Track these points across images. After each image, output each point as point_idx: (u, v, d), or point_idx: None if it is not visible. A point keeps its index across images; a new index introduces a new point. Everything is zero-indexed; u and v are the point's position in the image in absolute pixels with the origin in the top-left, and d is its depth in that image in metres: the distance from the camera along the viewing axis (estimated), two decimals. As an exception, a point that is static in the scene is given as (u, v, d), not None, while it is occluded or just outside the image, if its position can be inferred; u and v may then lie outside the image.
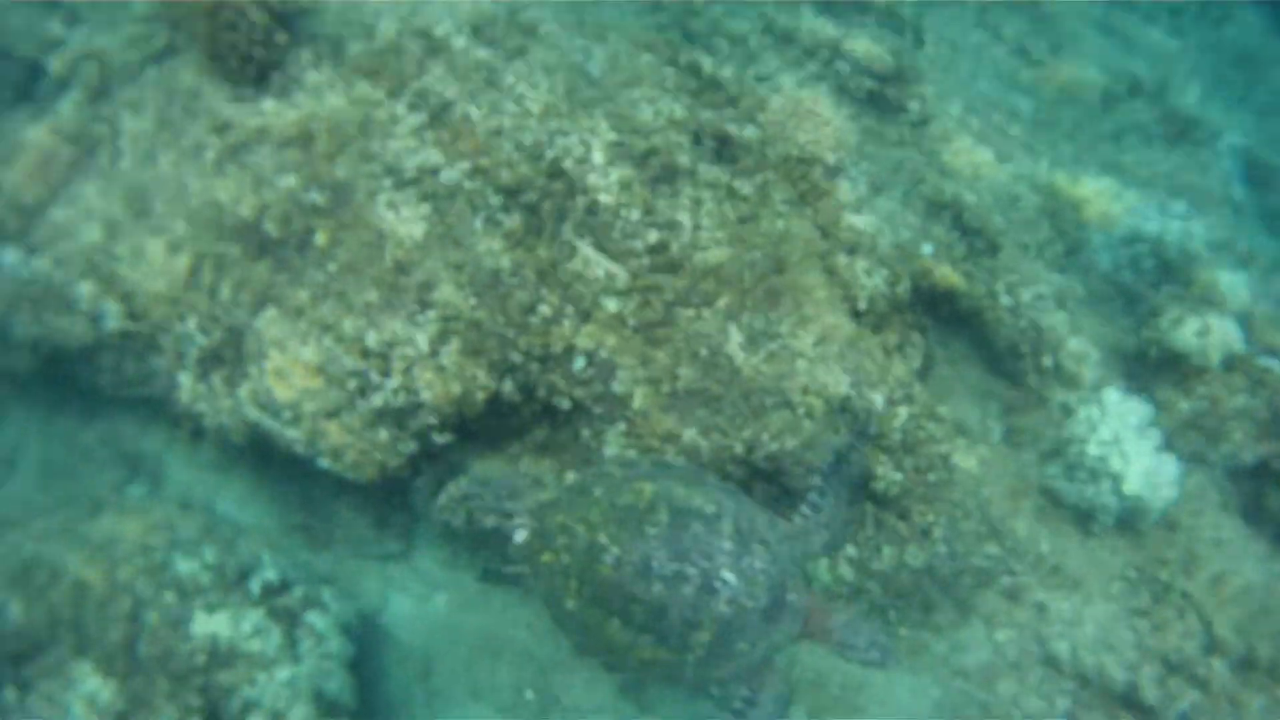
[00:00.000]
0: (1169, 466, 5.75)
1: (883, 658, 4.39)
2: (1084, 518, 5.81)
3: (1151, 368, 6.31)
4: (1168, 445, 5.93)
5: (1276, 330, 6.50)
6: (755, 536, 3.98)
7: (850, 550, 5.14)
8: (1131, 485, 5.68)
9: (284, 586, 5.07)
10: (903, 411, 5.33)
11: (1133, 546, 5.84)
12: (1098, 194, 7.17)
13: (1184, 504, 5.97)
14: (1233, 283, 6.66)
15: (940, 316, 5.99)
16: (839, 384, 5.16)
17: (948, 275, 5.85)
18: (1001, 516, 5.57)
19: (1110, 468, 5.72)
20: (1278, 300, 6.87)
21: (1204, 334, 6.25)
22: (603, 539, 3.88)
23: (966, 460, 5.63)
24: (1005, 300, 5.96)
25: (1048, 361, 6.08)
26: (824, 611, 4.24)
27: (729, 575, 3.83)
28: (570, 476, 4.95)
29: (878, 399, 5.21)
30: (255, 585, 5.03)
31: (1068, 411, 5.99)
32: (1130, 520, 5.83)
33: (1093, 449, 5.77)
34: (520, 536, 4.20)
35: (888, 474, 5.29)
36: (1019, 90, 8.16)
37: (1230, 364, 6.32)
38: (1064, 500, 5.88)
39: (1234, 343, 6.35)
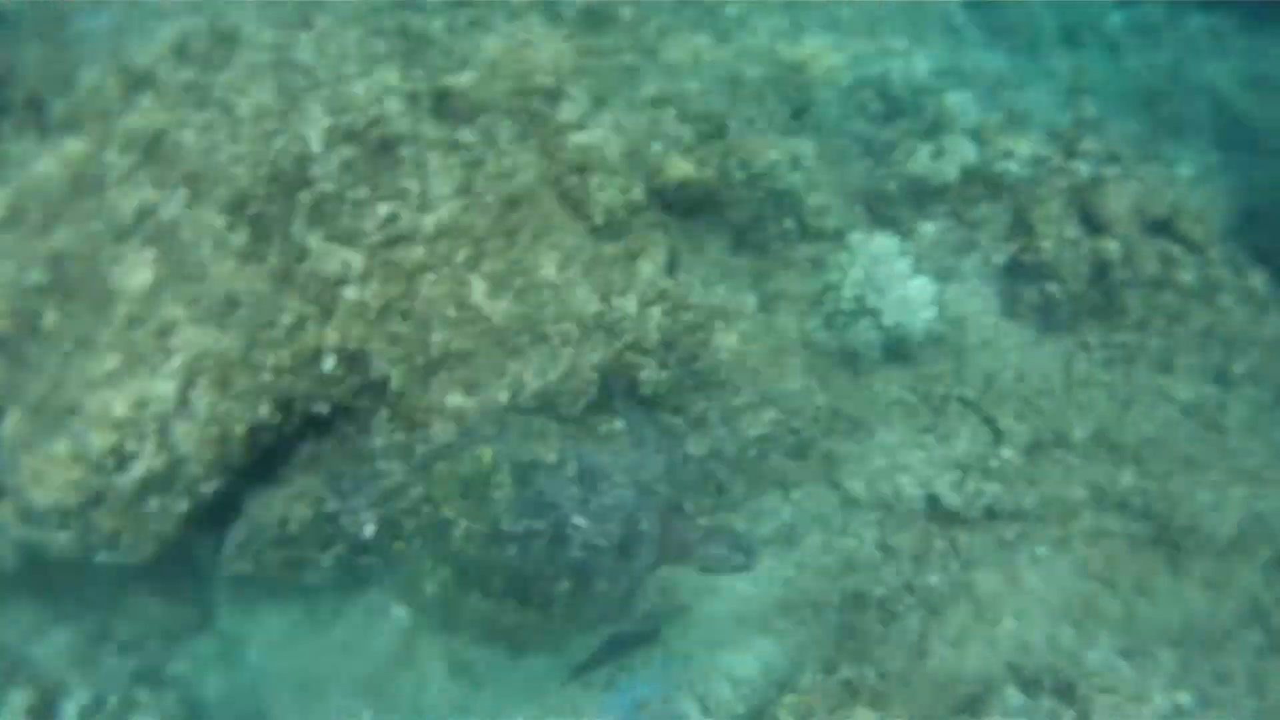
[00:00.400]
0: (924, 289, 5.98)
1: (747, 560, 4.65)
2: (852, 359, 6.00)
3: (895, 201, 6.53)
4: (920, 268, 6.08)
5: (1007, 135, 6.76)
6: (600, 474, 4.11)
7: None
8: (890, 316, 5.92)
9: (99, 704, 5.06)
10: (655, 311, 5.47)
11: (904, 372, 6.06)
12: (818, 52, 7.36)
13: (945, 318, 6.17)
14: (959, 102, 6.91)
15: (681, 208, 6.07)
16: (588, 303, 5.26)
17: (678, 166, 6.00)
18: (772, 381, 5.74)
19: (867, 305, 5.94)
20: (1007, 110, 7.10)
21: (938, 155, 6.50)
22: (449, 514, 3.98)
23: (728, 339, 5.82)
24: (738, 175, 6.15)
25: (789, 224, 6.24)
26: (680, 531, 4.44)
27: (579, 520, 3.94)
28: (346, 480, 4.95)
29: (629, 305, 5.33)
30: (72, 711, 4.97)
31: (817, 264, 6.13)
32: (897, 349, 6.06)
33: (847, 292, 5.99)
34: (369, 531, 4.35)
35: (653, 375, 5.39)
36: None
37: (969, 176, 6.49)
38: (829, 348, 6.08)
39: (968, 156, 6.51)
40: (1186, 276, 6.62)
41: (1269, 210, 7.13)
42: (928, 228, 6.59)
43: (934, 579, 5.63)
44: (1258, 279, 6.80)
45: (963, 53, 7.98)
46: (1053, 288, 6.44)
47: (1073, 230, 6.48)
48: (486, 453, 4.11)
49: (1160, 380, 6.46)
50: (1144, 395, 6.39)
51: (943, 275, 6.42)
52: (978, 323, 6.39)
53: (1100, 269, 6.46)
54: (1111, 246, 6.46)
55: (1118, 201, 6.55)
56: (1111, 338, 6.49)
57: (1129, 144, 7.29)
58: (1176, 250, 6.67)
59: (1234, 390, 6.55)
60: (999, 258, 6.61)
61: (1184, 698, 5.38)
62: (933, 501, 5.88)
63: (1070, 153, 6.78)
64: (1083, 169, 6.69)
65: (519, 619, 3.99)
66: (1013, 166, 6.57)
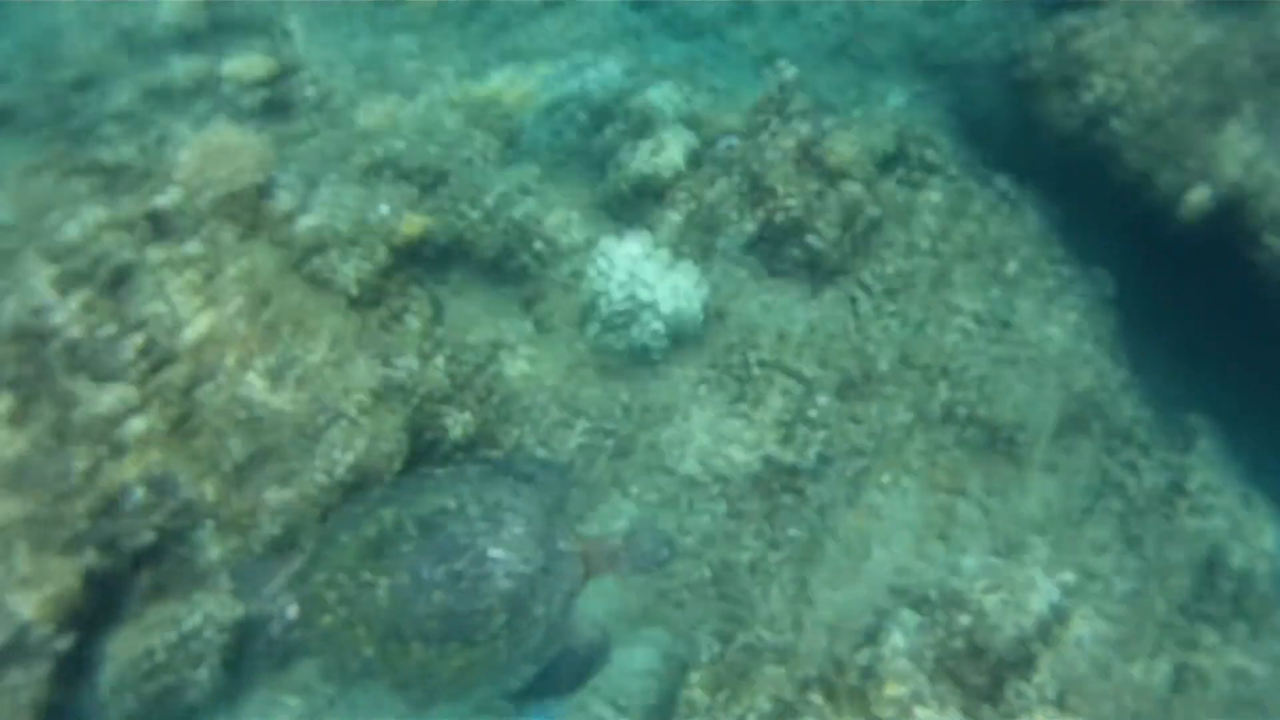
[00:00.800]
0: (689, 272, 7.94)
1: (670, 553, 5.85)
2: (643, 354, 7.83)
3: (632, 201, 8.52)
4: (679, 255, 8.06)
5: (718, 113, 8.85)
6: (502, 507, 4.90)
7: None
8: (665, 305, 7.79)
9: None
10: (438, 360, 7.21)
11: (698, 353, 7.98)
12: (507, 82, 9.38)
13: (720, 294, 8.17)
14: (662, 94, 8.95)
15: (430, 260, 7.86)
16: (371, 370, 6.94)
17: (412, 222, 7.79)
18: (573, 394, 7.56)
19: (641, 300, 7.78)
20: (709, 91, 9.29)
21: (659, 149, 8.58)
22: (368, 576, 4.74)
23: (516, 367, 7.64)
24: (474, 215, 7.97)
25: (539, 245, 8.14)
26: (599, 543, 5.42)
27: (496, 552, 4.69)
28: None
29: (411, 362, 7.04)
30: None
31: (578, 276, 8.03)
32: (682, 334, 7.91)
33: (616, 295, 7.79)
34: (292, 613, 4.93)
35: (459, 419, 7.13)
36: (397, 29, 10.27)
37: (696, 161, 8.64)
38: (618, 350, 7.86)
39: (689, 142, 8.64)
40: (935, 196, 8.83)
41: (989, 118, 9.58)
42: (673, 216, 8.46)
43: (794, 531, 7.40)
44: (1003, 182, 9.05)
45: (649, 49, 10.10)
46: (812, 240, 8.35)
47: (814, 183, 8.39)
48: (386, 513, 4.94)
49: (944, 297, 8.50)
50: (933, 314, 8.42)
51: (703, 255, 8.28)
52: (751, 291, 8.31)
53: (850, 212, 8.43)
54: (854, 189, 8.45)
55: (845, 147, 8.54)
56: (884, 270, 8.47)
57: (836, 92, 9.57)
58: (918, 175, 8.88)
59: (1015, 288, 8.69)
60: (750, 226, 8.47)
61: (1067, 576, 7.16)
62: (768, 462, 7.56)
63: (784, 114, 8.68)
64: (801, 127, 8.60)
65: (465, 659, 4.71)
66: (734, 140, 8.63)
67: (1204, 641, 7.27)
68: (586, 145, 9.12)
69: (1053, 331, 8.53)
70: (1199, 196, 8.01)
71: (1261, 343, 8.35)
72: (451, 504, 4.91)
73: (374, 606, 4.69)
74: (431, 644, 4.67)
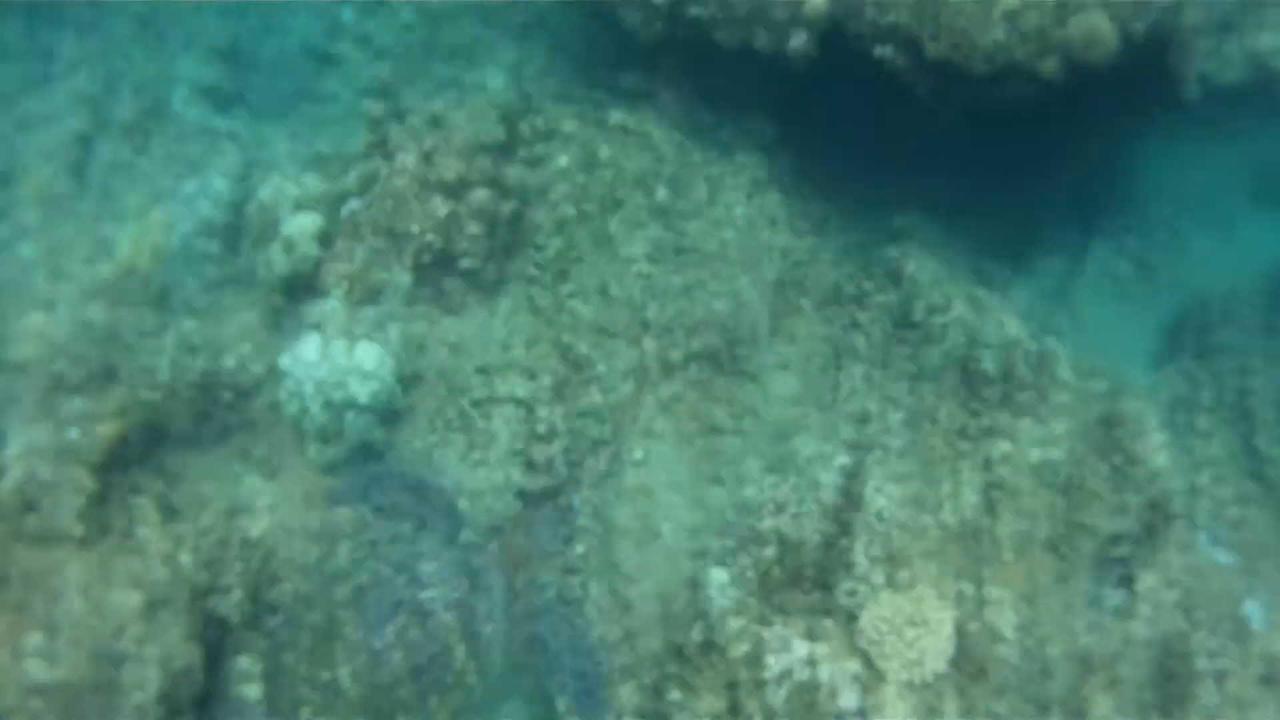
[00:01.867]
0: (368, 354, 7.67)
1: (568, 533, 6.00)
2: (367, 451, 7.81)
3: (291, 306, 8.21)
4: (354, 339, 7.77)
5: (335, 181, 8.67)
6: (408, 556, 5.29)
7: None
8: (363, 394, 7.66)
9: None
10: (185, 557, 7.12)
11: (413, 423, 7.95)
12: (134, 247, 8.86)
13: (406, 357, 8.10)
14: (272, 190, 8.73)
15: (139, 458, 7.63)
16: (128, 601, 6.87)
17: (103, 432, 7.34)
18: (324, 523, 7.41)
19: (339, 402, 7.65)
20: (318, 158, 8.95)
21: (289, 247, 8.21)
22: (327, 676, 4.97)
23: (259, 525, 7.53)
24: (155, 396, 7.79)
25: (227, 396, 8.05)
26: (507, 548, 5.72)
27: (426, 594, 5.02)
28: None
29: (160, 573, 6.97)
30: None
31: (275, 407, 7.93)
32: (391, 412, 7.92)
33: (315, 407, 7.68)
34: None
35: (231, 601, 7.12)
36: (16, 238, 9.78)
37: (328, 239, 8.49)
38: (345, 457, 7.77)
39: (314, 225, 8.44)
40: (562, 160, 8.88)
41: (588, 55, 9.56)
42: (332, 304, 8.19)
43: (580, 549, 7.16)
44: (617, 115, 9.05)
45: (249, 146, 9.88)
46: (465, 263, 8.24)
47: (442, 207, 8.27)
48: (316, 614, 5.10)
49: (611, 253, 8.53)
50: (610, 274, 8.39)
51: (377, 326, 8.08)
52: (434, 337, 8.15)
53: (487, 219, 8.34)
54: (480, 195, 8.38)
55: (454, 160, 8.41)
56: (544, 257, 8.53)
57: (434, 95, 9.36)
58: (539, 148, 8.84)
59: (673, 212, 8.72)
60: (406, 277, 8.28)
61: (843, 459, 7.40)
62: (521, 493, 7.40)
63: (387, 153, 8.58)
64: (407, 160, 8.49)
65: (448, 708, 4.96)
66: (355, 202, 8.41)
67: (996, 452, 7.26)
68: (233, 269, 8.89)
69: (727, 235, 8.51)
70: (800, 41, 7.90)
71: (921, 146, 8.62)
72: (365, 577, 5.05)
73: (347, 699, 4.82)
74: (414, 711, 4.83)
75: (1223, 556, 7.07)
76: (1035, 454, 7.33)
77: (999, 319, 7.90)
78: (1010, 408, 7.47)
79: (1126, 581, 6.78)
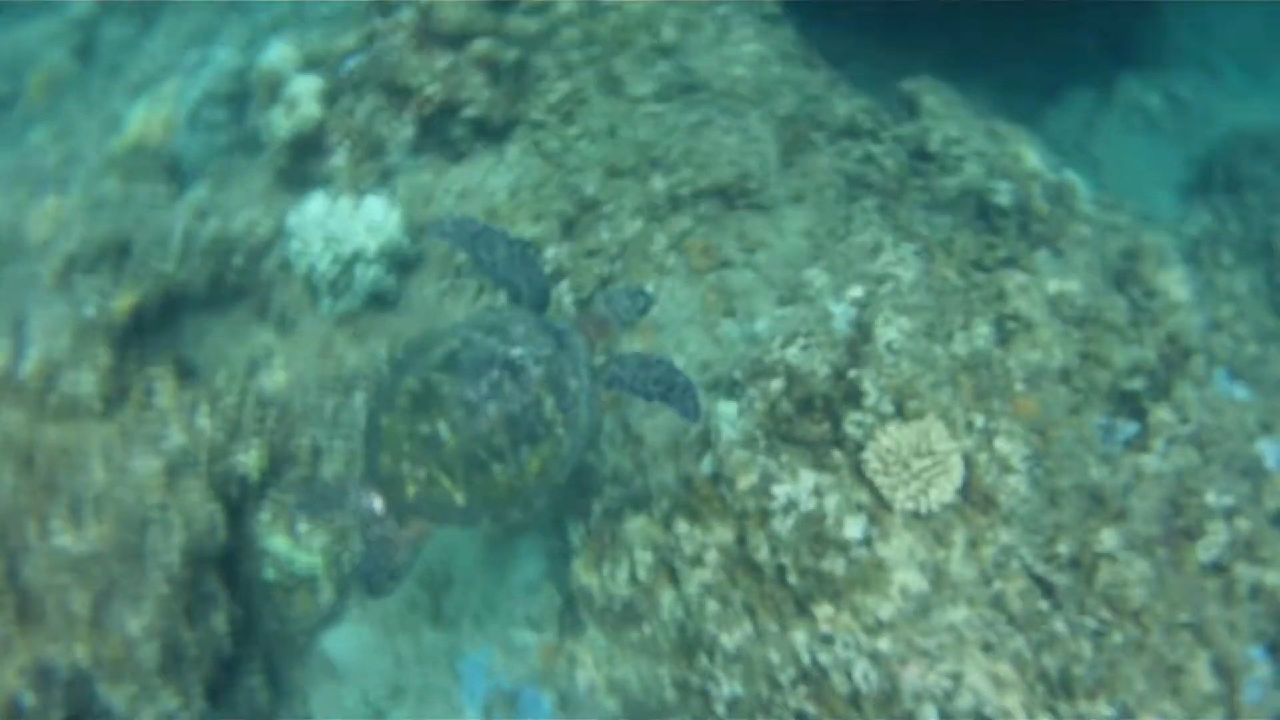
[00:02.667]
0: (375, 207, 7.65)
1: (646, 300, 5.93)
2: (380, 300, 7.89)
3: (297, 166, 8.24)
4: (360, 194, 7.74)
5: (335, 41, 8.49)
6: (499, 321, 5.27)
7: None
8: (371, 246, 7.56)
9: None
10: (201, 417, 7.27)
11: (425, 271, 7.99)
12: (144, 121, 8.97)
13: (415, 207, 8.03)
14: (276, 54, 8.57)
15: (159, 325, 7.79)
16: (149, 465, 7.03)
17: (119, 307, 7.51)
18: (335, 374, 7.74)
19: (347, 255, 7.54)
20: (322, 20, 8.85)
21: (291, 108, 8.15)
22: (425, 429, 4.90)
23: (274, 380, 7.70)
24: (168, 266, 7.93)
25: (239, 259, 8.06)
26: (588, 315, 5.84)
27: (515, 351, 5.02)
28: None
29: (178, 436, 7.10)
30: None
31: (286, 265, 7.96)
32: (403, 261, 7.90)
33: (324, 262, 7.66)
34: (377, 505, 5.10)
35: (249, 459, 7.32)
36: (27, 125, 9.97)
37: (331, 98, 8.40)
38: (359, 308, 7.90)
39: (316, 86, 8.36)
40: (565, 6, 8.75)
41: None
42: (337, 161, 8.21)
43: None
44: None
45: (253, 11, 9.73)
46: (468, 111, 8.14)
47: (443, 59, 8.14)
48: (409, 380, 5.02)
49: (619, 94, 8.45)
50: (617, 115, 8.34)
51: (383, 179, 8.13)
52: (442, 187, 8.13)
53: (490, 68, 8.21)
54: (482, 45, 8.25)
55: (453, 10, 8.27)
56: (550, 101, 8.41)
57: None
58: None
59: (681, 50, 8.61)
60: (409, 131, 8.26)
61: (856, 290, 7.30)
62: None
63: (386, 8, 8.47)
64: (405, 14, 8.36)
65: (540, 459, 5.06)
66: (354, 59, 8.35)
67: (1011, 284, 7.08)
68: (240, 135, 8.90)
69: (738, 71, 8.31)
70: None
71: None
72: (456, 343, 5.06)
73: (444, 451, 4.87)
74: (507, 459, 4.91)
75: (1240, 392, 6.96)
76: (1052, 286, 7.19)
77: (1018, 151, 7.60)
78: (1027, 239, 7.32)
79: (1140, 414, 6.49)
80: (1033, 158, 7.64)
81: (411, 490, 4.98)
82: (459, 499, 4.96)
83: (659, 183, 7.76)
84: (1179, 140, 9.30)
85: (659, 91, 8.05)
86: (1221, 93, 9.68)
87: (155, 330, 7.66)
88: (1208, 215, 8.58)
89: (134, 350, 7.36)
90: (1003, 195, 7.36)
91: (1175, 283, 7.26)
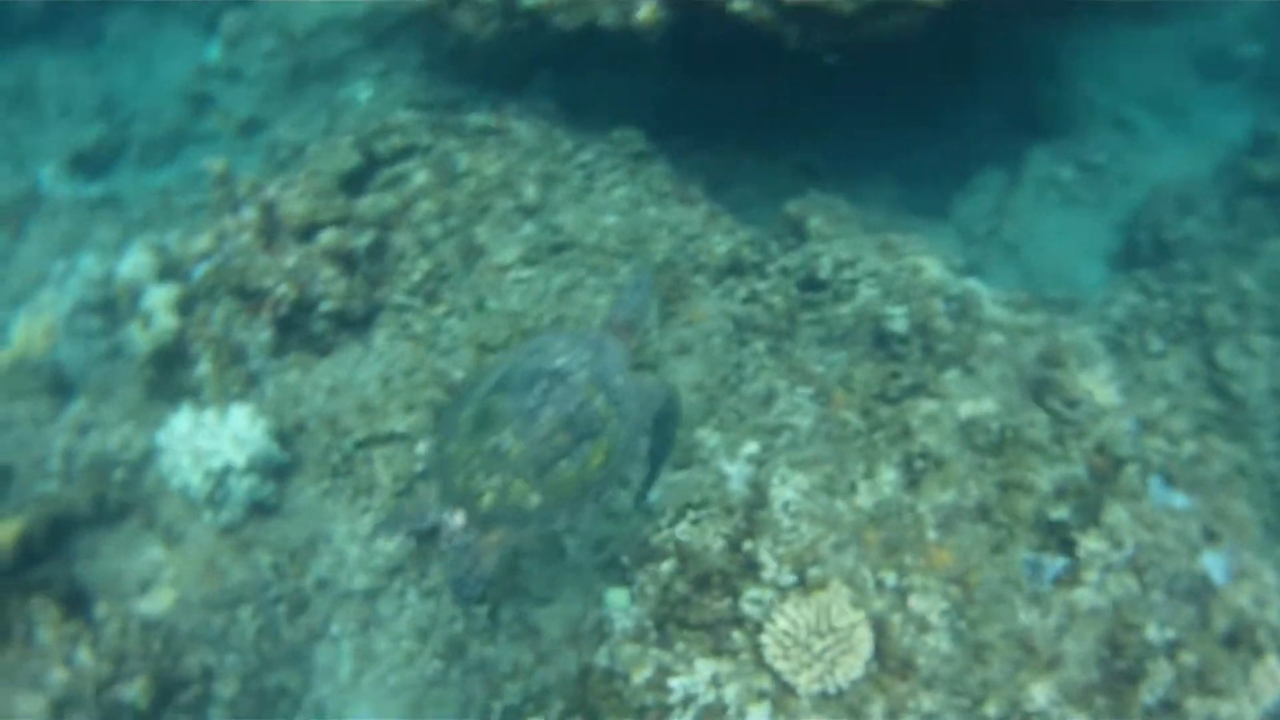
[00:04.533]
0: (241, 417, 7.37)
1: (648, 281, 6.22)
2: (260, 509, 7.57)
3: (165, 378, 8.05)
4: (227, 402, 7.39)
5: (190, 243, 8.37)
6: (536, 345, 5.74)
7: None
8: (241, 458, 7.29)
9: None
10: (83, 652, 6.91)
11: (302, 474, 7.70)
12: (26, 333, 8.93)
13: (283, 411, 7.75)
14: (132, 263, 8.42)
15: (45, 553, 7.54)
16: (33, 704, 6.72)
17: (4, 534, 6.96)
18: (220, 590, 7.44)
19: (219, 470, 7.32)
20: (186, 215, 8.56)
21: (147, 322, 8.09)
22: (492, 441, 5.31)
23: (159, 601, 7.42)
24: (52, 486, 7.83)
25: (120, 475, 7.91)
26: (610, 322, 6.08)
27: (560, 361, 5.49)
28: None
29: (60, 674, 6.81)
30: None
31: (161, 480, 7.69)
32: (277, 468, 7.61)
33: (197, 478, 7.42)
34: (458, 520, 5.35)
35: (134, 691, 6.94)
36: None
37: (188, 306, 8.21)
38: (240, 518, 7.61)
39: (171, 296, 8.16)
40: (421, 178, 8.52)
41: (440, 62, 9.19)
42: (202, 370, 7.84)
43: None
44: (479, 117, 8.81)
45: (120, 205, 9.43)
46: (326, 306, 7.92)
47: (292, 255, 7.94)
48: (466, 411, 5.48)
49: (484, 265, 8.16)
50: (484, 287, 7.99)
51: (249, 384, 7.86)
52: (308, 385, 7.92)
53: (343, 257, 8.03)
54: (330, 236, 8.04)
55: (298, 203, 8.08)
56: (412, 281, 8.17)
57: (304, 125, 9.24)
58: (398, 167, 8.58)
59: (547, 207, 8.34)
60: (266, 333, 7.99)
61: (751, 447, 7.00)
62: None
63: (234, 206, 8.25)
64: (248, 213, 8.18)
65: (600, 450, 5.45)
66: (204, 264, 8.17)
67: (918, 417, 6.70)
68: (115, 343, 8.70)
69: (608, 220, 7.92)
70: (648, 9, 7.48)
71: (820, 93, 8.06)
72: (501, 372, 5.56)
73: (512, 458, 5.27)
74: (572, 456, 5.30)
75: (1179, 500, 6.40)
76: (964, 409, 6.73)
77: (915, 263, 7.10)
78: (933, 361, 6.82)
79: (1070, 546, 5.99)
80: (933, 269, 7.14)
81: (488, 499, 5.31)
82: (534, 500, 5.30)
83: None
84: (1098, 208, 8.84)
85: (526, 255, 7.67)
86: (1139, 148, 9.23)
87: (43, 556, 7.41)
88: (1133, 293, 8.03)
89: (19, 582, 7.07)
90: (898, 320, 6.90)
91: (1099, 384, 6.75)
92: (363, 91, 8.92)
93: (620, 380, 5.68)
